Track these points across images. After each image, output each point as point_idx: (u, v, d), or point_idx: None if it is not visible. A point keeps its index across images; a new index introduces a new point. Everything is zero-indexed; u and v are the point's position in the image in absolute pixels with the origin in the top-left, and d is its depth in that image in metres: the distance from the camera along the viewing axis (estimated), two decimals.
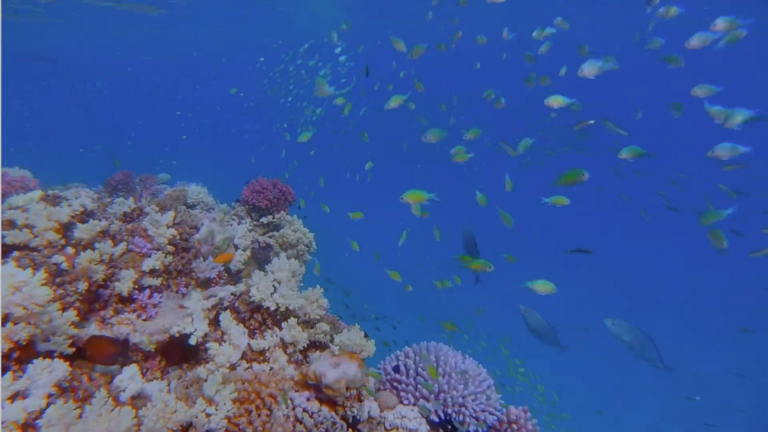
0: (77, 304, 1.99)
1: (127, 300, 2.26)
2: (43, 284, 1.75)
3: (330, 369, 2.03)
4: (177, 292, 2.45)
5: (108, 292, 2.25)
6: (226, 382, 1.79)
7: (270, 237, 3.37)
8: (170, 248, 2.47)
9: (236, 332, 2.08)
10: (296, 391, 2.09)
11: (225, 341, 2.10)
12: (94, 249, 2.20)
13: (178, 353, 2.30)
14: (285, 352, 2.14)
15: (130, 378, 1.67)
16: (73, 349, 1.72)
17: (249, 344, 2.14)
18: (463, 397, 2.22)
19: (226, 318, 2.12)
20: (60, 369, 1.48)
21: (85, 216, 2.56)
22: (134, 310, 2.23)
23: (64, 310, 1.89)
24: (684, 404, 8.09)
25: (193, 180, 3.97)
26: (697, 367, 9.58)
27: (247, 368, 2.06)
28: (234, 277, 2.94)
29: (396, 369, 2.36)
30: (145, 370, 2.17)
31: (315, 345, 2.37)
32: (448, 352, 2.43)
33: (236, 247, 2.98)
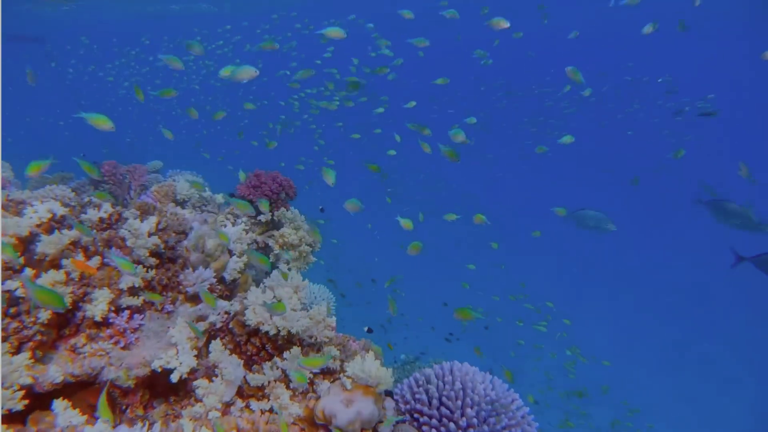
0: (38, 337, 1.66)
1: (102, 324, 1.94)
2: None
3: (342, 408, 1.72)
4: (162, 310, 2.13)
5: (80, 315, 1.93)
6: None
7: (269, 237, 3.03)
8: (153, 260, 2.14)
9: (229, 365, 1.76)
10: (302, 430, 1.78)
11: (217, 375, 1.78)
12: (60, 267, 1.87)
13: (165, 383, 2.00)
14: (287, 387, 1.83)
15: None
16: (26, 402, 1.41)
17: (245, 377, 1.82)
18: None
19: (217, 349, 1.80)
20: None
21: (55, 224, 2.22)
22: (110, 337, 1.91)
23: (18, 349, 1.57)
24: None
25: (187, 168, 3.62)
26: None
27: (243, 407, 1.75)
28: (229, 286, 2.61)
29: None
30: (124, 407, 1.86)
31: (323, 371, 2.05)
32: (475, 377, 2.10)
33: (231, 253, 2.64)
